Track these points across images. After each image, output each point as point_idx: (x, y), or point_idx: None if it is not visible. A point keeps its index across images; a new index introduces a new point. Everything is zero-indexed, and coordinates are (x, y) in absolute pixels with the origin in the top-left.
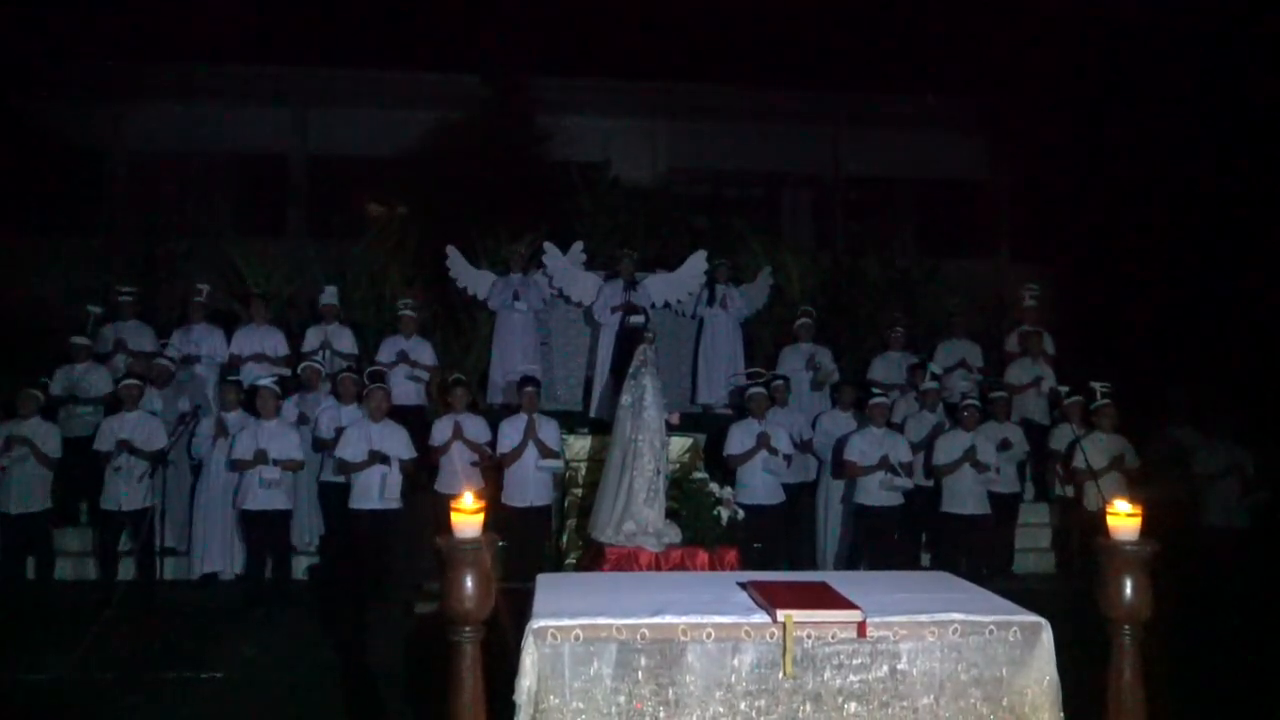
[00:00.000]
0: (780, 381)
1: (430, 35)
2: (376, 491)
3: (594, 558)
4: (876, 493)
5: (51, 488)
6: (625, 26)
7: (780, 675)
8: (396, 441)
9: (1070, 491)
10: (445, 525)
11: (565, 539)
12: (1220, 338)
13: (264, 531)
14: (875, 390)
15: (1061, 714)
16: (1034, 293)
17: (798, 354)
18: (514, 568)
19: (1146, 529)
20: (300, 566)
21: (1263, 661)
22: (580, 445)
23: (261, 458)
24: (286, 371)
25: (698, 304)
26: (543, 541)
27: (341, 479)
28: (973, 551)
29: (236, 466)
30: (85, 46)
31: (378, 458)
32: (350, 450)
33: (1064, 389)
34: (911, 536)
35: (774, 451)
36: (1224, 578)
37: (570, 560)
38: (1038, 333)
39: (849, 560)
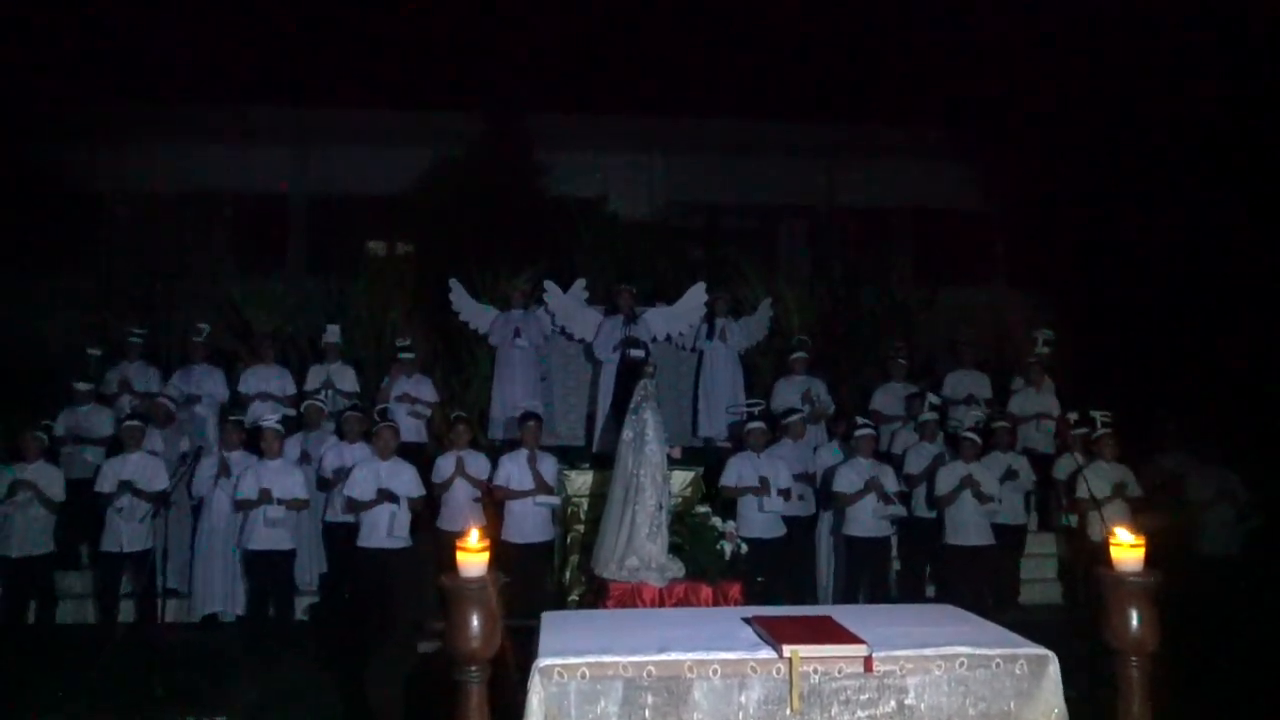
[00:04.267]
0: (797, 417)
1: (428, 73)
2: (384, 530)
3: (597, 594)
4: (866, 523)
5: (54, 531)
6: (621, 62)
7: (787, 711)
8: (404, 479)
9: (1074, 521)
10: (450, 563)
11: (568, 575)
12: (1211, 363)
13: (268, 572)
14: (861, 421)
15: None
16: (1048, 338)
17: (793, 386)
18: (516, 604)
19: (1147, 558)
20: (301, 606)
21: (1267, 690)
22: (582, 480)
23: (265, 497)
24: (292, 411)
25: (697, 337)
26: (544, 578)
27: (347, 519)
28: (977, 583)
29: (240, 506)
30: (84, 87)
31: (386, 496)
32: (359, 489)
33: (1073, 416)
34: (915, 568)
35: (770, 493)
36: (1221, 605)
37: (573, 597)
38: (1040, 362)
39: (847, 593)
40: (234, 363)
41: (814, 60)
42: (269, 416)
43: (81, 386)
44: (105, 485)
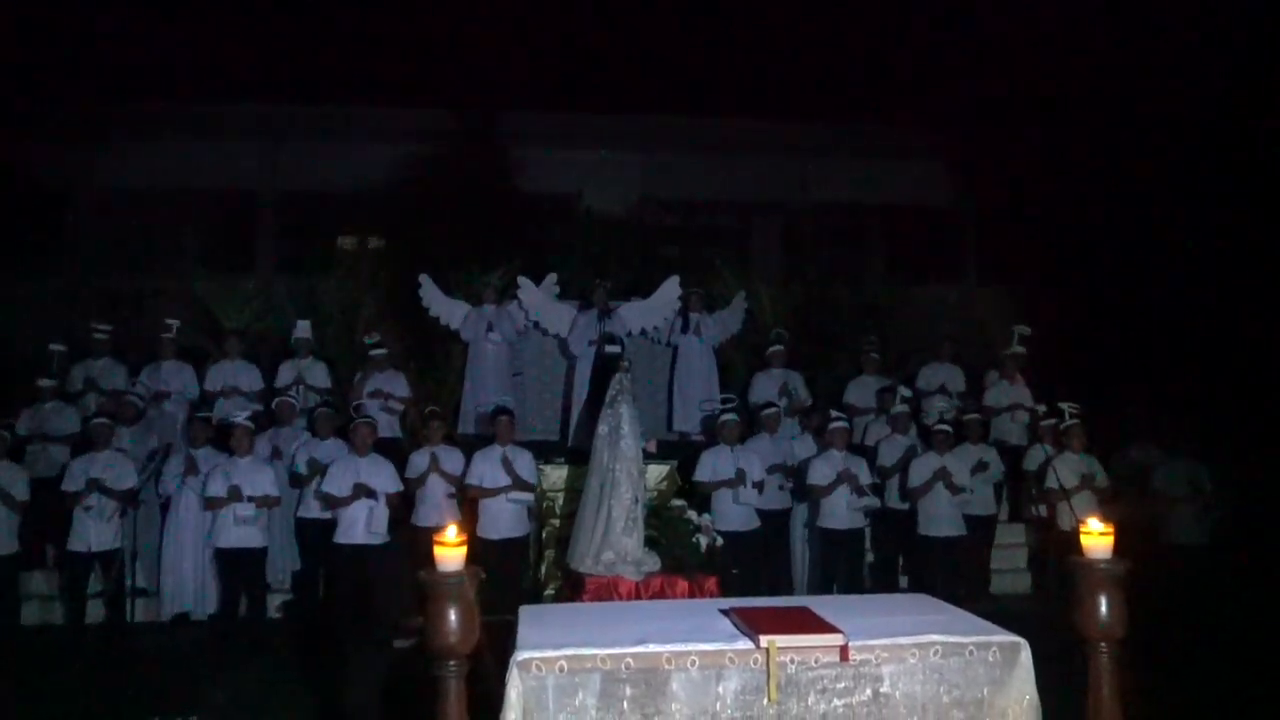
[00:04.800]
0: (773, 410)
1: (400, 70)
2: (363, 525)
3: (573, 588)
4: (841, 515)
5: (18, 531)
6: (595, 60)
7: (765, 701)
8: (382, 475)
9: (1044, 511)
10: (426, 559)
11: (544, 570)
12: (1179, 356)
13: (238, 570)
14: (834, 414)
15: None
16: (1024, 335)
17: (770, 380)
18: (492, 600)
19: (1116, 547)
20: (274, 604)
21: (1233, 676)
22: (557, 475)
23: (235, 494)
24: (259, 407)
25: (671, 332)
26: (520, 573)
27: (319, 515)
28: (950, 573)
29: (210, 504)
30: (51, 85)
31: (363, 491)
32: (336, 485)
33: (1041, 408)
34: (888, 559)
35: (745, 484)
36: (1188, 594)
37: (549, 591)
38: (1014, 356)
39: (822, 584)
40: (204, 360)
41: (788, 58)
42: (239, 413)
43: (45, 384)
44: (72, 484)
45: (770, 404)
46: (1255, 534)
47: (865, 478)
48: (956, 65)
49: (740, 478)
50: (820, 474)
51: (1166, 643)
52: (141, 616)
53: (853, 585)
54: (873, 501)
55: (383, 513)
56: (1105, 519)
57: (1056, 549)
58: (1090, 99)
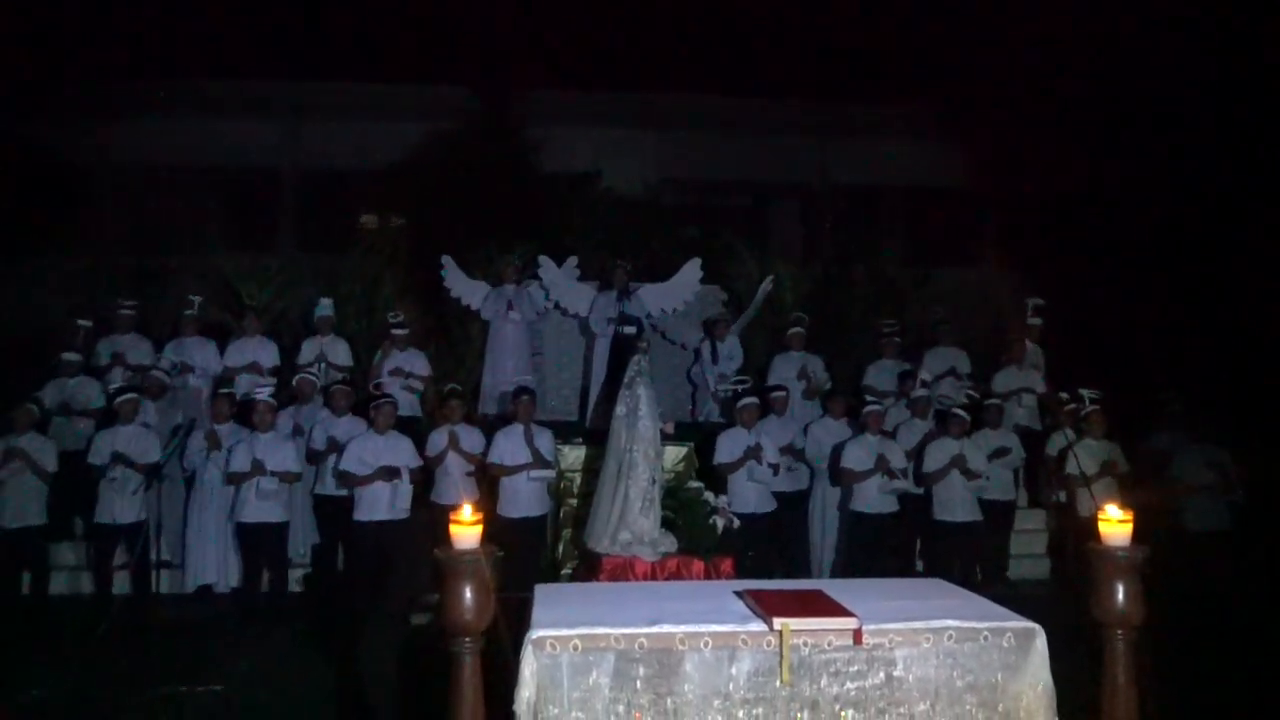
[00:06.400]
0: (782, 393)
1: (421, 48)
2: (385, 503)
3: (590, 567)
4: (874, 499)
5: (46, 502)
6: (613, 38)
7: (777, 683)
8: (404, 452)
9: (1063, 497)
10: (444, 536)
11: (561, 549)
12: (1203, 341)
13: (260, 544)
14: (869, 398)
15: (1056, 719)
16: (1038, 305)
17: (790, 363)
18: (509, 578)
19: (1135, 534)
20: (295, 578)
21: (1252, 663)
22: (575, 455)
23: (258, 469)
24: (274, 383)
25: (699, 356)
26: (538, 552)
27: (336, 492)
28: (965, 558)
29: (232, 479)
30: (76, 61)
31: (392, 472)
32: (355, 464)
33: (1064, 395)
34: (905, 544)
35: (760, 462)
36: (1208, 580)
37: (566, 570)
38: (1023, 337)
39: (844, 568)
40: (227, 336)
41: (808, 38)
42: (260, 389)
43: (70, 358)
44: (97, 457)
45: (779, 387)
46: (1278, 520)
47: (899, 461)
48: (977, 45)
49: (755, 452)
50: (855, 458)
51: (1186, 629)
52: (167, 589)
53: (875, 569)
54: (905, 485)
55: (407, 489)
56: (1125, 505)
57: (1075, 535)
58: (1112, 77)
